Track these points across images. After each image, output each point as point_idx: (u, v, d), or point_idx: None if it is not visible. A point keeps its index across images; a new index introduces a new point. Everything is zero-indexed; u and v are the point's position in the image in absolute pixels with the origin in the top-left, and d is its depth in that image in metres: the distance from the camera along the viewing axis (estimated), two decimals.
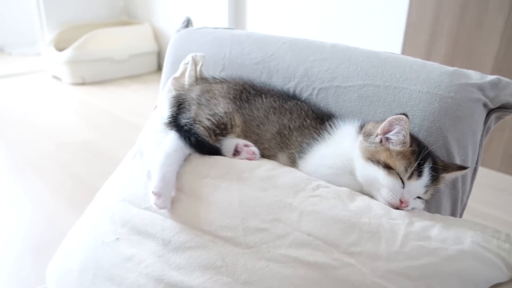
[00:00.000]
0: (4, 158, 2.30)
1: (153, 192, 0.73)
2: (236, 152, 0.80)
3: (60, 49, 3.75)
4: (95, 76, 3.73)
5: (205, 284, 0.67)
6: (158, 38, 4.04)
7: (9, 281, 1.45)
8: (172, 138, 0.79)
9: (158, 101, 1.02)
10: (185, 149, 0.78)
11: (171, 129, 0.81)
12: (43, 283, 1.04)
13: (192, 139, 0.77)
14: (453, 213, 0.82)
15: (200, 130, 0.79)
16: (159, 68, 4.11)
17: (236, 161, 0.77)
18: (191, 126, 0.79)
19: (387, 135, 0.72)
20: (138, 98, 3.32)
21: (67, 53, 3.62)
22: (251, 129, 0.84)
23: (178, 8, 3.77)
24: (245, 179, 0.73)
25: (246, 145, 0.80)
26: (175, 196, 0.76)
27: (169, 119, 0.83)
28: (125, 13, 4.36)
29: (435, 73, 0.80)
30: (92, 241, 0.86)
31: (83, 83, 3.68)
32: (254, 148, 0.80)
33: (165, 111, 0.89)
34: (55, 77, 3.89)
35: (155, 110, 0.99)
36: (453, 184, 0.80)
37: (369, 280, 0.62)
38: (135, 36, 3.91)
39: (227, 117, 0.82)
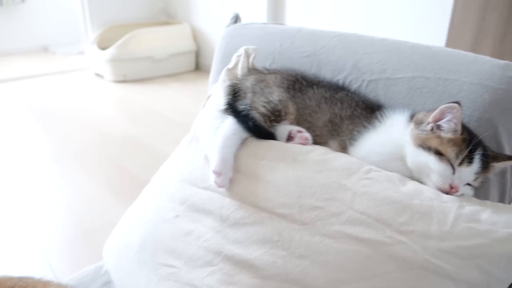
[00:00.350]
0: (53, 150, 2.43)
1: (213, 171, 0.78)
2: (289, 138, 0.84)
3: (103, 48, 3.90)
4: (136, 74, 3.86)
5: (262, 257, 0.72)
6: (197, 38, 4.14)
7: (64, 261, 1.55)
8: (229, 123, 0.84)
9: (212, 91, 1.08)
10: (242, 133, 0.83)
11: (228, 115, 0.86)
12: (95, 262, 1.12)
13: (250, 123, 0.82)
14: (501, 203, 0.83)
15: (256, 115, 0.84)
16: (197, 67, 4.21)
17: (291, 145, 0.82)
18: (248, 112, 0.84)
19: (439, 123, 0.75)
20: (177, 96, 3.42)
21: (110, 51, 3.77)
22: (303, 117, 0.88)
23: (216, 8, 3.85)
24: (300, 161, 0.78)
25: (299, 131, 0.84)
26: (233, 177, 0.81)
27: (226, 106, 0.89)
28: (164, 13, 4.49)
29: (487, 65, 0.82)
30: (152, 218, 0.92)
31: (124, 81, 3.82)
32: (307, 134, 0.84)
33: (220, 99, 0.95)
34: (97, 74, 4.04)
35: (209, 99, 1.05)
36: (502, 174, 0.82)
37: (421, 258, 0.65)
38: (174, 35, 4.03)
39: (281, 104, 0.87)
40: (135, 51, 3.81)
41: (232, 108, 0.87)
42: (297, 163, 0.77)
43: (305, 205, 0.72)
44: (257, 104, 0.86)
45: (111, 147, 2.42)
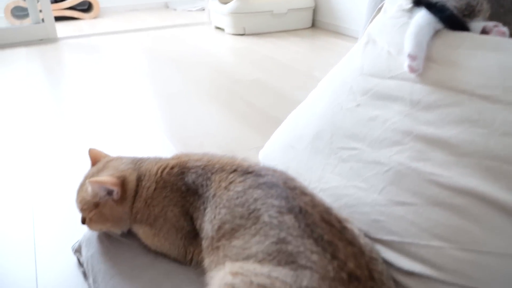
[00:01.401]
0: (189, 88, 2.62)
1: (409, 54, 0.80)
2: (483, 32, 0.83)
3: (224, 2, 4.05)
4: (255, 28, 3.97)
5: (458, 135, 0.73)
6: None
7: None
8: (422, 14, 0.85)
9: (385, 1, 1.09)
10: (436, 24, 0.83)
11: (421, 7, 0.86)
12: None
13: (445, 13, 0.82)
14: None
15: (451, 7, 0.83)
16: (313, 24, 4.20)
17: (489, 36, 0.81)
18: (443, 3, 0.84)
19: None
20: (295, 48, 3.46)
21: (231, 5, 3.91)
22: (497, 15, 0.85)
23: None
24: (502, 49, 0.76)
25: (495, 26, 0.83)
26: (425, 65, 0.82)
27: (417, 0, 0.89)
28: None
29: None
30: (328, 110, 0.97)
31: (243, 34, 3.95)
32: (504, 28, 0.82)
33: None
34: (217, 28, 4.23)
35: (385, 5, 1.06)
36: None
37: None
38: None
39: (474, 0, 0.85)
40: (255, 5, 3.90)
41: (425, 1, 0.87)
42: (499, 50, 0.76)
43: (510, 87, 0.72)
44: None
45: (241, 89, 2.55)
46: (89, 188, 0.90)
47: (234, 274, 0.67)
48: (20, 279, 1.12)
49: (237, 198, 0.78)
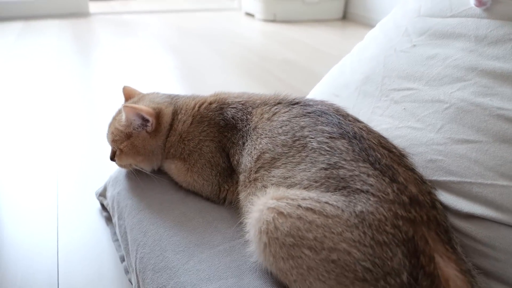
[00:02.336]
0: (218, 63, 2.58)
1: None
2: None
3: None
4: (285, 14, 3.91)
5: None
6: None
7: None
8: None
9: None
10: None
11: None
12: None
13: None
14: None
15: None
16: (344, 16, 4.12)
17: None
18: None
19: None
20: (326, 36, 3.39)
21: None
22: None
23: None
24: None
25: None
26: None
27: None
28: None
29: None
30: (379, 54, 0.91)
31: (273, 20, 3.90)
32: None
33: None
34: (248, 13, 4.18)
35: None
36: None
37: None
38: None
39: None
40: None
41: None
42: None
43: None
44: None
45: (271, 66, 2.50)
46: (124, 116, 0.86)
47: (279, 198, 0.61)
48: (42, 224, 1.08)
49: (281, 127, 0.72)
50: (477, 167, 0.66)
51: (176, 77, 2.34)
